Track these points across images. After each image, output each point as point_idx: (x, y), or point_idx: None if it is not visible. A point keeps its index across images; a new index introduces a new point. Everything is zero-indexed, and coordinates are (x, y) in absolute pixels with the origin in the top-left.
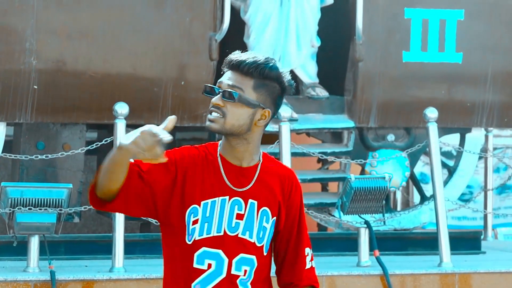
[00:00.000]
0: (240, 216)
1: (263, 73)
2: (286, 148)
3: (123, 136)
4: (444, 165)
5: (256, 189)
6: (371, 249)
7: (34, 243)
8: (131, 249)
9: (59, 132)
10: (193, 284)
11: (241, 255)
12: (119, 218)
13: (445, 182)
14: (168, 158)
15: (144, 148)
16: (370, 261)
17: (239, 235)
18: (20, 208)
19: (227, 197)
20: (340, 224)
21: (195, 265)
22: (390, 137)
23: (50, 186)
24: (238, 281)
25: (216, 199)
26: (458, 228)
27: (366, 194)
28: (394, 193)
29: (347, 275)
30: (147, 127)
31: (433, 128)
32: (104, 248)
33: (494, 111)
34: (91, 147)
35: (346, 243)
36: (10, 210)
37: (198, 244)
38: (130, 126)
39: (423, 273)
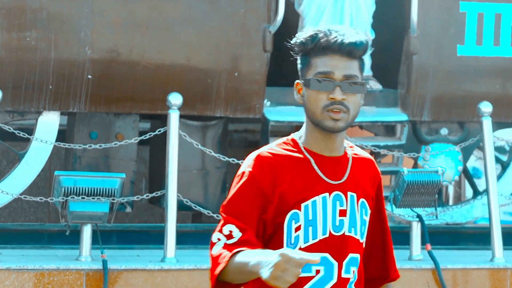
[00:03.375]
0: (343, 213)
1: (365, 52)
2: None
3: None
4: (497, 159)
5: (351, 180)
6: (423, 243)
7: (86, 232)
8: (182, 239)
9: (112, 122)
10: None
11: (350, 255)
12: (171, 209)
13: (498, 177)
14: (252, 186)
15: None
16: (422, 255)
17: (346, 233)
18: (73, 197)
19: (327, 194)
20: (392, 218)
21: (301, 274)
22: (444, 131)
23: (103, 175)
24: (348, 285)
25: (316, 198)
26: (511, 223)
27: (418, 187)
28: (447, 187)
29: (398, 269)
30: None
31: (487, 123)
32: (156, 238)
33: None
34: (144, 137)
35: (398, 237)
36: (63, 199)
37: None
38: (183, 117)
39: (475, 268)
